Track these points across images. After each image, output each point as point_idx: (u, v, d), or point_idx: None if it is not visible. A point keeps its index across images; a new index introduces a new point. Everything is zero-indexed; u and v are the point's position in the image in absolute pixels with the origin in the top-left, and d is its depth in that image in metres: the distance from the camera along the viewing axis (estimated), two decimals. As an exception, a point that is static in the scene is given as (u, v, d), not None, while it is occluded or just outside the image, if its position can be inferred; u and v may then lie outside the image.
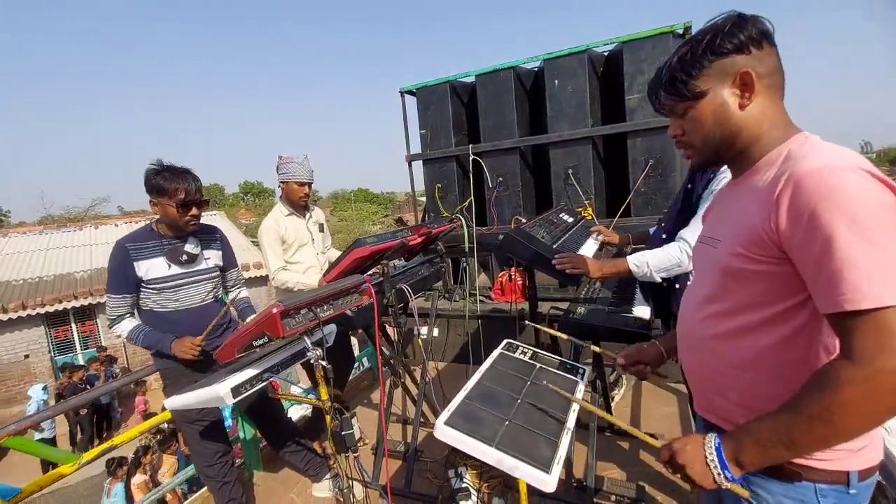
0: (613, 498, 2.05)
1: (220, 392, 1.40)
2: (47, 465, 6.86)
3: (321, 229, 2.93)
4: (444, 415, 1.13)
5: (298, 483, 2.53)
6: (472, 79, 4.16)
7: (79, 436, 8.06)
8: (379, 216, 29.87)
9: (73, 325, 10.96)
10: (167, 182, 1.89)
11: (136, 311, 2.02)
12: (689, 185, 1.86)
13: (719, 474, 0.81)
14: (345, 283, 1.56)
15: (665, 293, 1.96)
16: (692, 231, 1.70)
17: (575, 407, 1.24)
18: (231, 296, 2.31)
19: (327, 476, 2.38)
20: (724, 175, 1.64)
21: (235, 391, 1.42)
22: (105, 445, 2.15)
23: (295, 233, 2.71)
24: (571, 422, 1.18)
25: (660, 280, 1.77)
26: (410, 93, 4.34)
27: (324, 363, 1.45)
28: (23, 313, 9.85)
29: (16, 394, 10.03)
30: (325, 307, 1.47)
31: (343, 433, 1.47)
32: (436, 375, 3.22)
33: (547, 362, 1.48)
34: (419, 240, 2.47)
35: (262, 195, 39.73)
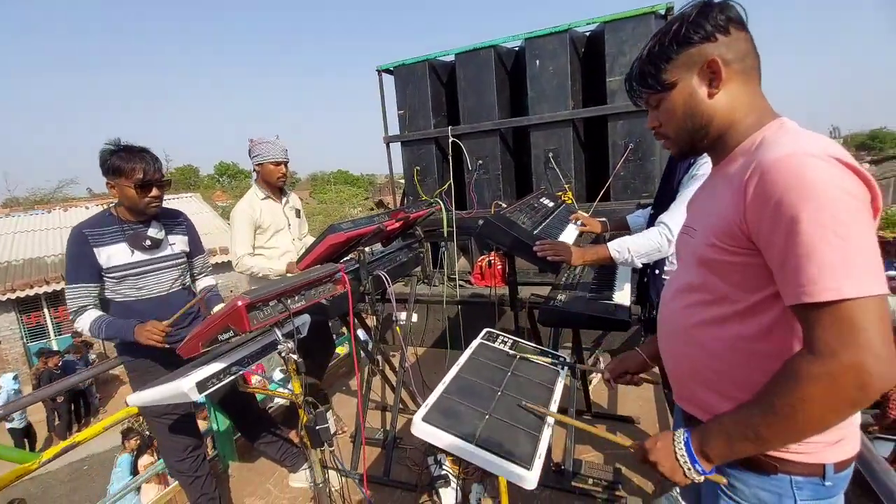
0: (591, 481, 2.07)
1: (184, 387, 1.32)
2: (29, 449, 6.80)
3: (298, 215, 2.82)
4: (422, 410, 1.08)
5: (275, 474, 2.48)
6: (451, 57, 4.04)
7: (56, 422, 7.90)
8: (359, 199, 29.44)
9: (46, 310, 10.66)
10: (124, 162, 1.76)
11: (98, 302, 1.90)
12: (669, 171, 1.85)
13: (689, 469, 0.83)
14: (317, 273, 1.49)
15: (645, 279, 1.95)
16: (672, 215, 1.69)
17: (556, 398, 1.22)
18: (200, 284, 2.20)
19: (304, 466, 2.34)
20: (705, 160, 1.63)
21: (201, 386, 1.34)
22: (66, 443, 2.05)
23: (271, 217, 2.61)
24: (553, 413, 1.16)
25: (640, 265, 1.77)
26: (388, 71, 4.19)
27: (295, 357, 1.38)
28: (-8, 298, 9.43)
29: (-13, 381, 9.67)
30: (297, 298, 1.40)
31: (317, 427, 1.42)
32: (415, 361, 3.19)
33: (527, 351, 1.45)
34: (397, 225, 2.40)
35: (239, 177, 38.61)
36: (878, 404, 3.50)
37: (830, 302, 0.66)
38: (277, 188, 2.66)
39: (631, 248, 1.71)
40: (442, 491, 2.09)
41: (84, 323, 1.83)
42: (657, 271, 1.87)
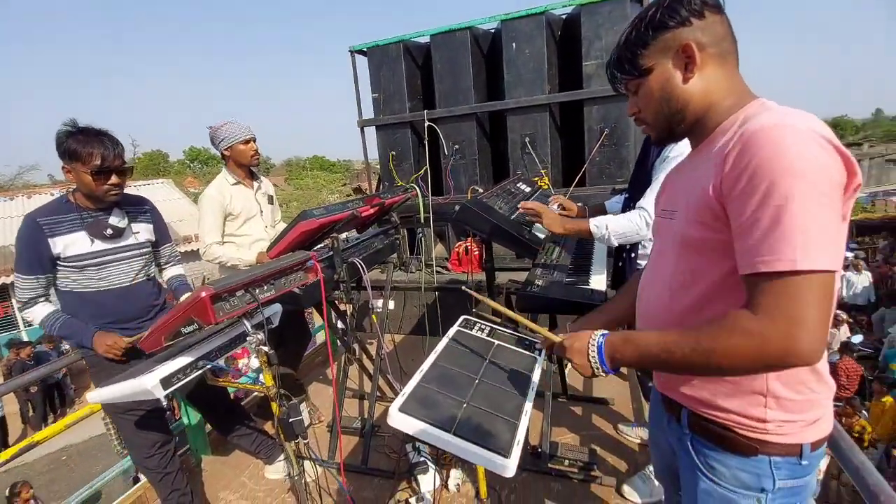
0: (567, 462, 2.10)
1: (147, 384, 1.26)
2: (4, 443, 6.69)
3: (270, 201, 2.71)
4: (398, 400, 1.06)
5: (250, 466, 2.43)
6: (426, 39, 3.94)
7: (30, 413, 7.61)
8: (337, 185, 28.91)
9: (14, 300, 10.12)
10: (81, 146, 1.64)
11: (52, 293, 1.79)
12: (643, 154, 1.85)
13: (597, 368, 0.94)
14: (287, 261, 1.43)
15: (620, 264, 1.97)
16: (649, 198, 1.70)
17: (534, 385, 1.21)
18: (167, 274, 2.10)
19: (280, 458, 2.30)
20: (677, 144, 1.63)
21: (166, 383, 1.29)
22: (25, 443, 1.95)
23: (242, 204, 2.49)
24: (530, 400, 1.15)
25: (616, 244, 1.78)
26: (361, 52, 4.06)
27: (266, 348, 1.33)
28: (-43, 289, 8.89)
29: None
30: (266, 287, 1.34)
31: (291, 420, 1.38)
32: (392, 349, 3.16)
33: (505, 338, 1.44)
34: (372, 211, 2.34)
35: (211, 162, 37.27)
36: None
37: (783, 273, 0.68)
38: (250, 171, 2.54)
39: (609, 226, 1.73)
40: (420, 477, 2.09)
41: (36, 314, 1.73)
42: (633, 255, 1.89)
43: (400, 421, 1.02)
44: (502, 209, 2.03)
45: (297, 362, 2.94)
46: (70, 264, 1.72)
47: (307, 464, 1.61)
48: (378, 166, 4.45)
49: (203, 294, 1.12)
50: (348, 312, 2.54)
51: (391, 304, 2.64)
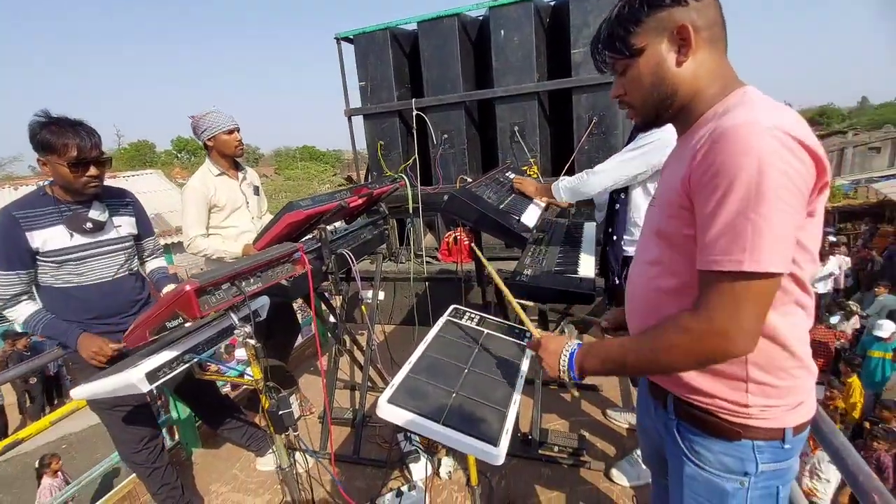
0: (556, 448, 2.13)
1: (132, 378, 1.24)
2: (3, 432, 6.78)
3: (256, 192, 2.66)
4: (388, 391, 1.06)
5: (241, 458, 2.43)
6: (413, 26, 3.88)
7: (28, 404, 7.56)
8: (328, 175, 28.60)
9: None
10: (56, 137, 1.58)
11: (34, 291, 1.74)
12: (630, 141, 1.86)
13: (565, 373, 0.98)
14: (274, 253, 1.41)
15: (608, 248, 1.99)
16: (602, 165, 1.87)
17: (522, 373, 1.22)
18: (149, 267, 2.06)
19: (272, 449, 2.30)
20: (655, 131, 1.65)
21: (151, 377, 1.27)
22: (9, 440, 1.92)
23: (227, 195, 2.44)
24: (519, 389, 1.16)
25: (565, 197, 2.04)
26: (348, 40, 3.98)
27: (253, 342, 1.32)
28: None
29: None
30: (252, 280, 1.32)
31: (280, 413, 1.37)
32: (383, 339, 3.16)
33: (494, 327, 1.45)
34: (360, 201, 2.31)
35: (199, 153, 36.60)
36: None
37: (730, 272, 0.70)
38: (234, 161, 2.49)
39: (560, 182, 2.04)
40: (412, 466, 2.10)
41: (18, 315, 1.68)
42: (615, 237, 1.91)
43: (389, 412, 1.02)
44: (491, 199, 2.03)
45: (287, 354, 2.93)
46: (49, 259, 1.67)
47: (298, 455, 1.61)
48: (367, 156, 4.41)
49: (188, 287, 1.10)
50: (337, 304, 2.53)
51: (381, 295, 2.63)
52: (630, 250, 1.88)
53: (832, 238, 9.39)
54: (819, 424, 1.03)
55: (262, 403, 1.41)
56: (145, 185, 13.60)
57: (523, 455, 2.15)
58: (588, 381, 2.79)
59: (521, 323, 1.18)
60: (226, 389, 2.86)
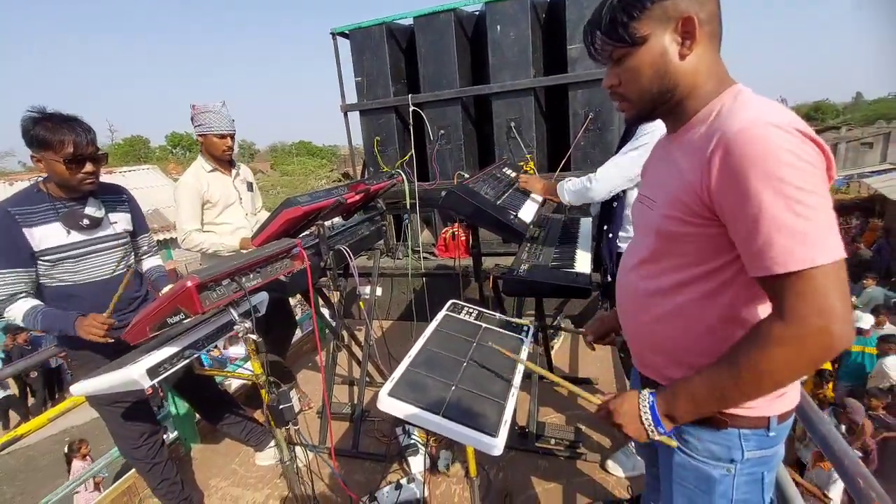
0: (553, 441, 2.16)
1: (133, 374, 1.25)
2: (6, 425, 6.92)
3: (250, 188, 2.66)
4: (388, 385, 1.07)
5: (240, 453, 2.44)
6: (410, 21, 3.87)
7: (30, 399, 7.65)
8: (325, 170, 28.44)
9: None
10: (50, 133, 1.56)
11: (33, 289, 1.73)
12: (626, 135, 1.87)
13: (653, 431, 0.86)
14: (273, 248, 1.42)
15: (600, 244, 2.01)
16: (604, 167, 1.87)
17: (520, 367, 1.24)
18: (146, 265, 2.06)
19: (271, 444, 2.32)
20: (652, 127, 1.66)
21: (152, 373, 1.27)
22: (9, 436, 1.92)
23: (220, 191, 2.44)
24: (517, 382, 1.18)
25: (568, 199, 2.03)
26: (343, 35, 3.97)
27: (253, 336, 1.33)
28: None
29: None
30: (252, 276, 1.33)
31: (281, 407, 1.38)
32: (380, 335, 3.18)
33: (492, 322, 1.46)
34: (357, 198, 2.32)
35: (194, 148, 36.30)
36: (850, 430, 3.94)
37: (800, 271, 0.68)
38: (224, 161, 2.49)
39: (564, 184, 2.04)
40: (411, 459, 2.13)
41: (16, 313, 1.65)
42: (610, 235, 1.93)
43: (390, 405, 1.04)
44: (488, 194, 2.04)
45: (285, 350, 2.94)
46: (46, 257, 1.66)
47: (298, 449, 1.63)
48: (363, 151, 4.41)
49: (189, 283, 1.11)
50: (335, 299, 2.54)
51: (378, 291, 2.64)
52: (624, 247, 1.90)
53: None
54: (806, 412, 1.05)
55: (262, 398, 1.43)
56: (142, 181, 13.52)
57: (521, 448, 2.17)
58: (583, 374, 2.83)
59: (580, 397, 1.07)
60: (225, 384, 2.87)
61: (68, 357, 1.81)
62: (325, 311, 2.68)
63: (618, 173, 1.82)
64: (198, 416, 2.54)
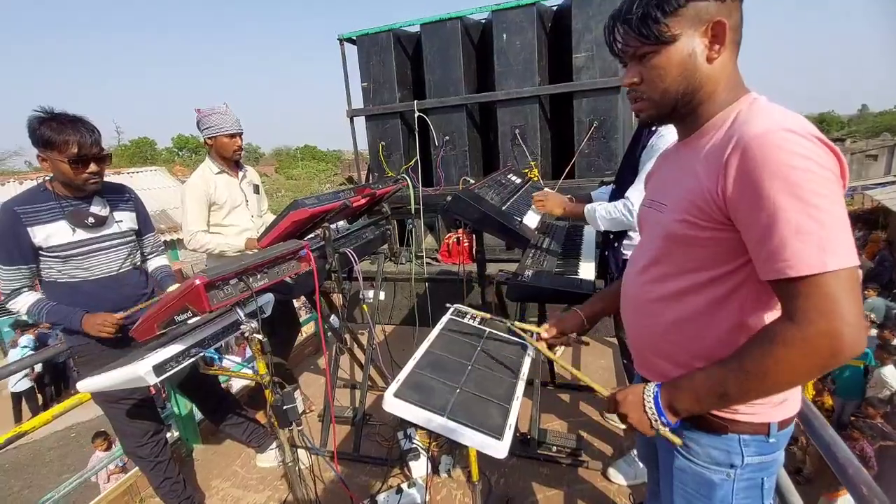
0: (555, 448, 2.16)
1: (139, 371, 1.26)
2: (18, 418, 7.06)
3: (256, 190, 2.69)
4: (393, 386, 1.08)
5: (241, 455, 2.44)
6: (416, 28, 3.91)
7: (39, 397, 7.72)
8: (329, 174, 28.57)
9: None
10: (55, 133, 1.59)
11: (36, 283, 1.76)
12: (634, 142, 1.87)
13: (656, 421, 0.86)
14: (280, 250, 1.43)
15: (606, 253, 2.01)
16: (634, 191, 1.74)
17: (524, 371, 1.24)
18: (152, 265, 2.08)
19: (272, 446, 2.32)
20: (665, 133, 1.66)
21: (159, 370, 1.29)
22: (13, 432, 1.93)
23: (227, 193, 2.46)
24: (521, 386, 1.18)
25: (602, 227, 1.88)
26: (350, 41, 4.01)
27: (259, 336, 1.34)
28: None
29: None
30: (259, 276, 1.35)
31: (285, 407, 1.39)
32: (383, 339, 3.18)
33: (496, 327, 1.47)
34: (363, 201, 2.34)
35: (200, 151, 36.48)
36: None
37: (812, 275, 0.68)
38: (234, 162, 2.52)
39: (598, 211, 1.86)
40: (412, 464, 2.12)
41: (21, 305, 1.70)
42: (616, 244, 1.93)
43: (395, 406, 1.04)
44: (494, 200, 2.06)
45: (287, 352, 2.95)
46: (53, 255, 1.69)
47: (300, 451, 1.63)
48: (368, 156, 4.44)
49: (197, 282, 1.12)
50: (339, 303, 2.55)
51: (382, 295, 2.65)
52: (629, 254, 1.91)
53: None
54: (809, 419, 1.05)
55: (266, 398, 1.44)
56: (149, 182, 13.57)
57: (522, 454, 2.17)
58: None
59: (591, 388, 1.07)
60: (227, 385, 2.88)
61: (75, 353, 1.83)
62: (332, 316, 2.68)
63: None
64: (199, 417, 2.55)
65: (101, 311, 1.74)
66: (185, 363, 1.37)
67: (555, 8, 3.71)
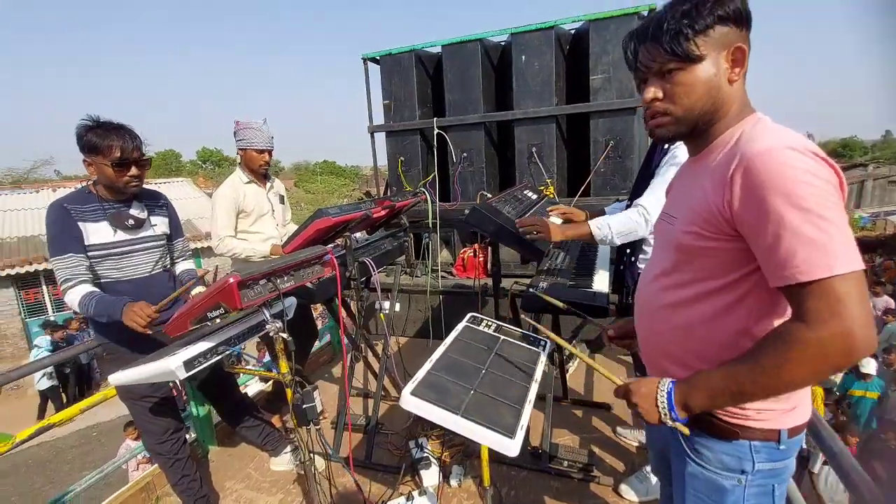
0: (566, 462, 2.15)
1: (171, 366, 1.33)
2: (42, 416, 7.26)
3: (282, 201, 2.81)
4: (410, 385, 1.12)
5: (255, 458, 2.49)
6: (438, 49, 4.05)
7: (64, 397, 7.95)
8: (347, 189, 29.06)
9: (45, 287, 10.92)
10: (101, 139, 1.71)
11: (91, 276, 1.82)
12: (648, 159, 1.90)
13: (666, 415, 0.89)
14: (306, 254, 1.50)
15: (622, 267, 2.04)
16: (649, 198, 1.74)
17: (537, 377, 1.28)
18: (179, 268, 2.17)
19: (286, 450, 2.36)
20: (682, 147, 1.69)
21: (189, 365, 1.35)
22: (41, 424, 2.01)
23: (255, 201, 2.59)
24: (534, 390, 1.21)
25: (619, 242, 1.80)
26: (374, 60, 4.17)
27: (284, 336, 1.40)
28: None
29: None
30: (286, 278, 1.42)
31: (304, 406, 1.44)
32: (396, 350, 3.22)
33: (510, 334, 1.51)
34: (383, 213, 2.42)
35: (223, 164, 37.45)
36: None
37: (822, 279, 0.72)
38: (262, 173, 2.65)
39: (612, 225, 1.75)
40: (423, 472, 2.14)
41: (75, 297, 1.73)
42: (633, 258, 1.95)
43: (412, 404, 1.09)
44: (510, 213, 2.11)
45: (305, 359, 3.01)
46: (93, 253, 1.78)
47: (315, 456, 1.67)
48: (386, 172, 4.55)
49: (231, 280, 1.19)
50: (355, 311, 2.61)
51: (397, 307, 2.70)
52: (644, 267, 1.92)
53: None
54: (819, 430, 1.06)
55: (280, 404, 1.49)
56: (176, 192, 14.01)
57: (533, 468, 2.17)
58: (598, 399, 2.81)
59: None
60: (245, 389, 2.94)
61: (103, 351, 1.91)
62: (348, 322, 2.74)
63: (660, 201, 1.77)
64: (216, 420, 2.61)
65: (140, 302, 1.80)
66: (213, 360, 1.44)
67: (573, 31, 3.81)
